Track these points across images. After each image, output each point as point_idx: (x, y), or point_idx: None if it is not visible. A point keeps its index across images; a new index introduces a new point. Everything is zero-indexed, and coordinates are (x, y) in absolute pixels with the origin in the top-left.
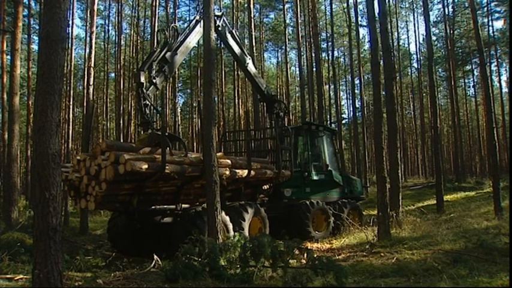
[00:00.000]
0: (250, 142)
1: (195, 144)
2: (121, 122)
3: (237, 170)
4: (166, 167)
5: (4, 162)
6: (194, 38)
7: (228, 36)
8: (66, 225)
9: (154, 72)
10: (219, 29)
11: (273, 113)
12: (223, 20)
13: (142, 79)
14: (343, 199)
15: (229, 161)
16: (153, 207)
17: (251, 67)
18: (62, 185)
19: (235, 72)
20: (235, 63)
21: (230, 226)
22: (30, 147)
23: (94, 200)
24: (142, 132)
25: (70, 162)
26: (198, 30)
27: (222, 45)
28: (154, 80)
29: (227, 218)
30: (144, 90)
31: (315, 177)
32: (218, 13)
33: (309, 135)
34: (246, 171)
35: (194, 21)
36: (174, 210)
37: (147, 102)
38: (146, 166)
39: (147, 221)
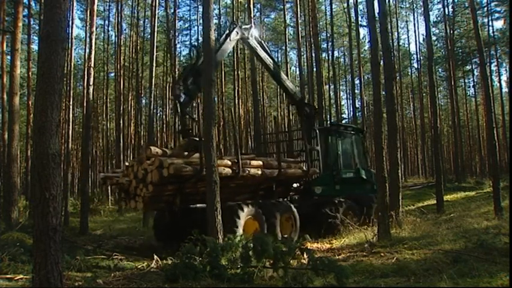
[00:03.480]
0: (280, 143)
1: None
2: (121, 122)
3: (268, 170)
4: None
5: (4, 162)
6: (225, 49)
7: (258, 47)
8: (66, 225)
9: (189, 84)
10: (248, 40)
11: (303, 115)
12: (252, 32)
13: (179, 92)
14: (371, 195)
15: (260, 162)
16: (193, 205)
17: (281, 76)
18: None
19: (235, 72)
20: (266, 71)
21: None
22: (30, 147)
23: (142, 200)
24: (181, 139)
25: (120, 168)
26: (228, 42)
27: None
28: (189, 92)
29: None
30: (181, 101)
31: (343, 176)
32: (246, 26)
33: (337, 136)
34: (276, 171)
35: (224, 35)
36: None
37: (185, 112)
38: (187, 169)
39: (188, 217)
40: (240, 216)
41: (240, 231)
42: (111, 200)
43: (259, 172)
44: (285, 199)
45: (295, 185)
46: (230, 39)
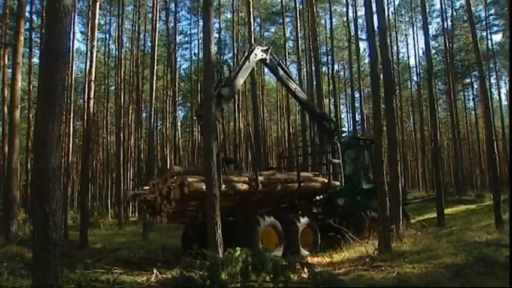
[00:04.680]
0: (300, 158)
1: (195, 158)
2: (121, 135)
3: (288, 184)
4: (223, 186)
5: (4, 175)
6: (245, 71)
7: (277, 67)
8: (65, 238)
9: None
10: (267, 62)
11: (323, 130)
12: (270, 52)
13: (202, 113)
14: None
15: (279, 177)
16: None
17: (300, 93)
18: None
19: None
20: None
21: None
22: (30, 160)
23: (166, 215)
24: None
25: (148, 186)
26: (247, 64)
27: (222, 59)
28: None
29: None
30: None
31: (364, 187)
32: (265, 47)
33: (357, 149)
34: (296, 185)
35: (244, 57)
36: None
37: None
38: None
39: None
40: (258, 230)
41: (259, 243)
42: (111, 214)
43: (279, 187)
44: (307, 212)
45: (317, 197)
46: (249, 61)
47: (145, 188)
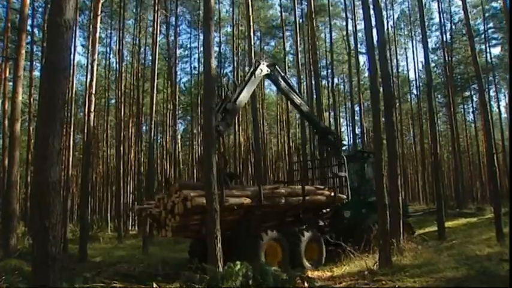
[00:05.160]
0: (305, 171)
1: (195, 171)
2: (121, 148)
3: (293, 198)
4: (226, 200)
5: (4, 188)
6: (251, 87)
7: (282, 82)
8: (65, 252)
9: (217, 121)
10: (273, 77)
11: (328, 143)
12: (276, 67)
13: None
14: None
15: (283, 191)
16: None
17: (304, 107)
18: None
19: None
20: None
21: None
22: (30, 173)
23: (171, 229)
24: None
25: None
26: (253, 79)
27: (222, 73)
28: (218, 128)
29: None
30: None
31: (369, 200)
32: (270, 63)
33: (362, 162)
34: (301, 198)
35: (249, 73)
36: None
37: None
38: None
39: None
40: (262, 243)
41: (262, 258)
42: (111, 227)
43: (283, 201)
44: (313, 225)
45: (324, 210)
46: (255, 77)
47: (150, 202)
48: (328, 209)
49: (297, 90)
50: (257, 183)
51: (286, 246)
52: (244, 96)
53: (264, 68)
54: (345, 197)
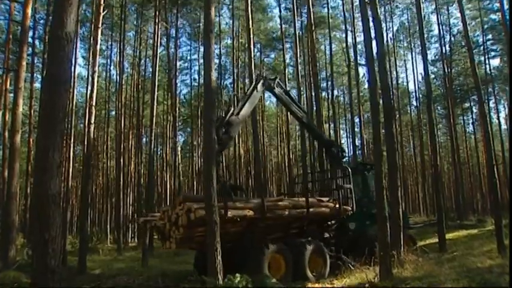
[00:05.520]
0: (309, 183)
1: (195, 183)
2: (121, 160)
3: (296, 210)
4: (229, 212)
5: (3, 200)
6: (253, 101)
7: (284, 96)
8: (64, 264)
9: (221, 134)
10: (275, 91)
11: (331, 156)
12: (278, 82)
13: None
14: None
15: (287, 203)
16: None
17: (306, 120)
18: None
19: None
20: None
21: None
22: (29, 185)
23: (175, 241)
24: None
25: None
26: (255, 93)
27: (222, 85)
28: (221, 141)
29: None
30: (215, 151)
31: (373, 211)
32: (272, 77)
33: (365, 174)
34: (305, 210)
35: (252, 87)
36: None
37: (218, 160)
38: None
39: (225, 256)
40: (265, 255)
41: (265, 269)
42: (110, 239)
43: (286, 213)
44: (317, 237)
45: (329, 222)
46: (257, 90)
47: (155, 214)
48: (333, 221)
49: (300, 104)
50: (260, 195)
51: (289, 258)
52: (247, 109)
53: (266, 83)
54: (349, 208)
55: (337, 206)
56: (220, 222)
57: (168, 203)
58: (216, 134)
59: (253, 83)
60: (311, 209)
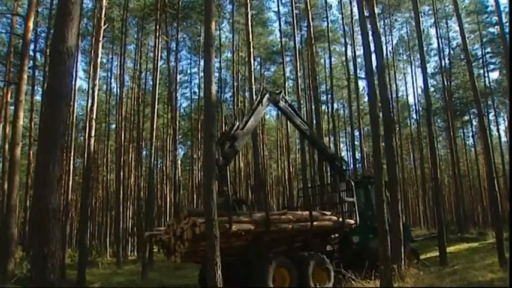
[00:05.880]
0: (313, 197)
1: (195, 196)
2: (121, 173)
3: (300, 224)
4: (234, 226)
5: (3, 212)
6: (258, 115)
7: (289, 110)
8: (63, 277)
9: (226, 148)
10: (279, 105)
11: (335, 169)
12: (282, 96)
13: (217, 155)
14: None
15: (290, 217)
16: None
17: (311, 134)
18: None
19: None
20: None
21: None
22: (29, 198)
23: (180, 255)
24: (218, 199)
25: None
26: (260, 107)
27: (223, 98)
28: (226, 155)
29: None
30: (219, 164)
31: (376, 224)
32: (277, 91)
33: (368, 187)
34: (309, 224)
35: (256, 101)
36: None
37: (223, 174)
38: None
39: (230, 270)
40: (269, 269)
41: (269, 283)
42: (110, 252)
43: (290, 226)
44: (321, 250)
45: (333, 236)
46: (262, 105)
47: (160, 228)
48: (336, 234)
49: (304, 118)
50: (265, 209)
51: (294, 272)
52: (252, 123)
53: (271, 97)
54: (353, 222)
55: (341, 219)
56: (225, 237)
57: (168, 216)
58: (221, 148)
59: (258, 97)
60: (315, 223)
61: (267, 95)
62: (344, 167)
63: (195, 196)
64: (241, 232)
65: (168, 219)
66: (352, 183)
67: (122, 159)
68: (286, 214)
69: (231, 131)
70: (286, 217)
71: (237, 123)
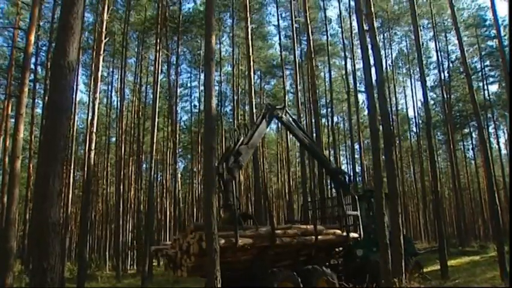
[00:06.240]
0: (317, 211)
1: (195, 209)
2: (121, 186)
3: (305, 238)
4: (240, 241)
5: (2, 225)
6: (262, 130)
7: (292, 124)
8: None
9: (231, 163)
10: (283, 120)
11: (339, 183)
12: (286, 110)
13: (222, 170)
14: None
15: (296, 231)
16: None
17: (314, 148)
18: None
19: None
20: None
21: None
22: (28, 211)
23: (186, 269)
24: (223, 213)
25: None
26: (263, 122)
27: (223, 112)
28: (231, 170)
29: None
30: (224, 179)
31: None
32: (280, 106)
33: (371, 201)
34: (313, 238)
35: (260, 116)
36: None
37: (228, 189)
38: (223, 241)
39: (236, 284)
40: (275, 283)
41: None
42: (109, 266)
43: (295, 240)
44: (325, 264)
45: (337, 249)
46: (266, 120)
47: (166, 242)
48: (340, 248)
49: (308, 132)
50: (271, 223)
51: (298, 285)
52: (256, 138)
53: (274, 112)
54: (356, 235)
55: (345, 233)
56: (232, 251)
57: (168, 230)
58: (226, 163)
59: (262, 112)
60: (319, 237)
61: (271, 110)
62: (346, 181)
63: (195, 209)
64: (248, 246)
65: (168, 233)
66: (356, 197)
67: (122, 173)
68: (291, 228)
69: (236, 146)
70: (291, 231)
71: (242, 138)
